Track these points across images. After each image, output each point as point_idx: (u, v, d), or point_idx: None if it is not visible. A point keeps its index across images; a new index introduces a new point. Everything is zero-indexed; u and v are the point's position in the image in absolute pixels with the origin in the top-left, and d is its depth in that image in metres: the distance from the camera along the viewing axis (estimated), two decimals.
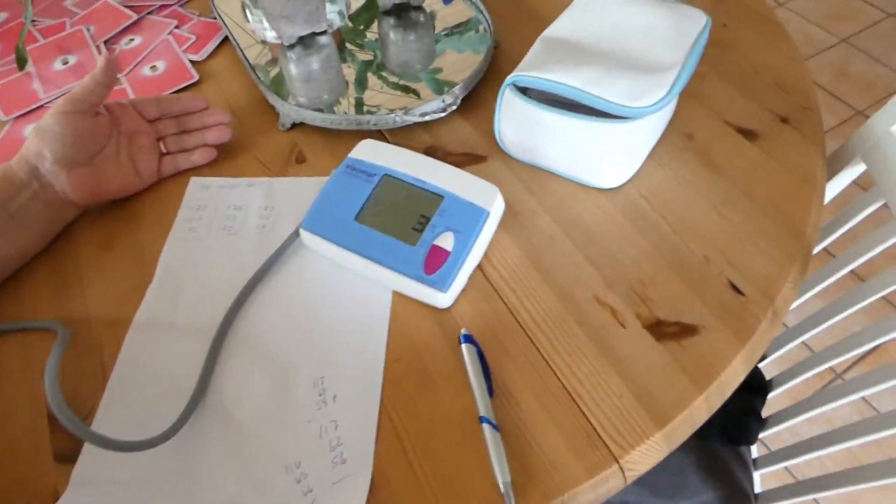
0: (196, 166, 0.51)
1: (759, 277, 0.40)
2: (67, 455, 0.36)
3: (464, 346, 0.38)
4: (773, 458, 0.61)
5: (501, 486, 0.32)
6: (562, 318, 0.40)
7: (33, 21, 0.67)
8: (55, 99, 0.58)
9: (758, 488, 0.63)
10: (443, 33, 0.58)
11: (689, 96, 0.52)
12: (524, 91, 0.44)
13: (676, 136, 0.49)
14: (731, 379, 0.38)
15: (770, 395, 0.63)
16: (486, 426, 0.34)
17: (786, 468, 1.01)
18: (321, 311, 0.41)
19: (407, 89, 0.53)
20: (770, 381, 0.64)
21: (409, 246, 0.40)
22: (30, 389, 0.39)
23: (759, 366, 0.66)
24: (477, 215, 0.40)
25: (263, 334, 0.40)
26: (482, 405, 0.35)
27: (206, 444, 0.36)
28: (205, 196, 0.49)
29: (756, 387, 0.63)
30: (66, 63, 0.61)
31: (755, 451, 0.66)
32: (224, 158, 0.52)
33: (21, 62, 0.61)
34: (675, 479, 0.60)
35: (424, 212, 0.41)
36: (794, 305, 0.62)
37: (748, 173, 0.46)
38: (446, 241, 0.40)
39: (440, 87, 0.52)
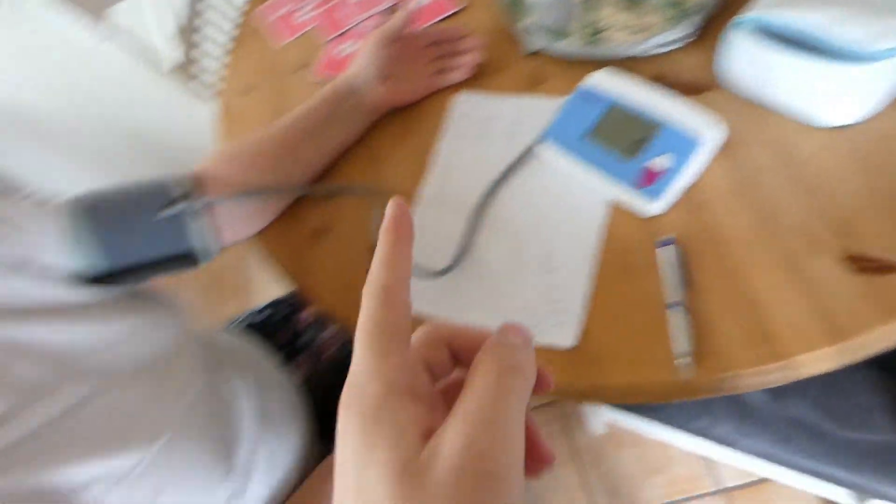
0: (458, 81, 0.65)
1: None
2: None
3: (663, 248, 0.47)
4: None
5: (679, 350, 0.42)
6: (762, 239, 0.46)
7: None
8: (357, 24, 0.76)
9: None
10: None
11: None
12: (758, 27, 0.47)
13: None
14: None
15: None
16: (673, 309, 0.44)
17: None
18: (551, 207, 0.53)
19: (642, 10, 0.57)
20: None
21: (628, 162, 0.49)
22: (356, 227, 0.59)
23: None
24: (693, 142, 0.47)
25: (508, 215, 0.54)
26: (674, 293, 0.45)
27: (466, 281, 0.52)
28: (467, 107, 0.63)
29: None
30: None
31: None
32: (480, 78, 0.64)
33: None
34: (859, 413, 0.63)
35: (646, 135, 0.49)
36: None
37: None
38: (662, 161, 0.47)
39: (677, 11, 0.55)
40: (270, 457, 0.57)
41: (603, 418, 1.07)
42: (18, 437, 0.40)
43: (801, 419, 0.64)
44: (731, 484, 1.05)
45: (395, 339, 0.21)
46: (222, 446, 0.52)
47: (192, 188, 0.56)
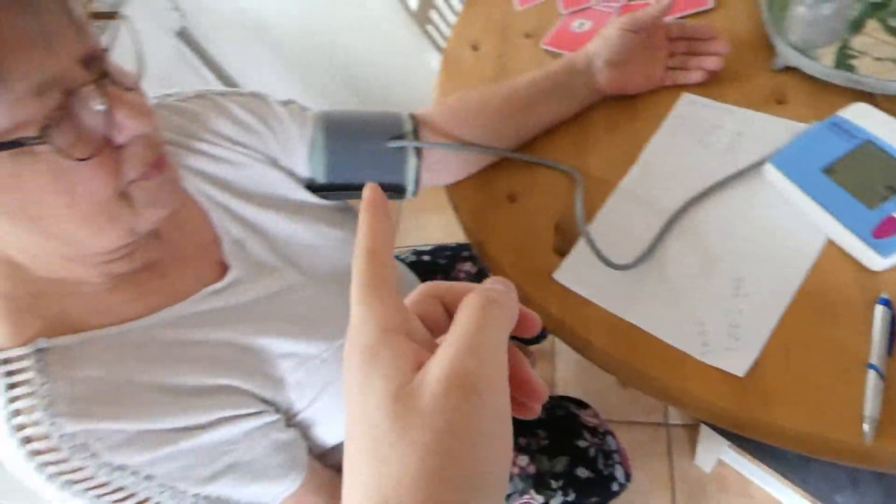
0: (689, 83, 0.64)
1: None
2: (560, 251, 0.58)
3: (879, 308, 0.44)
4: None
5: (866, 419, 0.41)
6: None
7: None
8: (599, 4, 0.77)
9: None
10: None
11: None
12: None
13: None
14: None
15: None
16: (871, 372, 0.42)
17: None
18: (758, 231, 0.52)
19: None
20: None
21: (866, 208, 0.46)
22: (546, 202, 0.62)
23: None
24: None
25: (706, 228, 0.54)
26: (877, 355, 0.43)
27: (645, 282, 0.53)
28: (691, 110, 0.62)
29: None
30: None
31: None
32: (713, 82, 0.63)
33: None
34: None
35: (894, 183, 0.46)
36: None
37: None
38: None
39: None
40: None
41: (715, 455, 1.04)
42: (245, 301, 0.49)
43: None
44: None
45: (384, 289, 0.24)
46: None
47: (416, 127, 0.62)
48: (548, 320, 0.56)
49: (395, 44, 1.31)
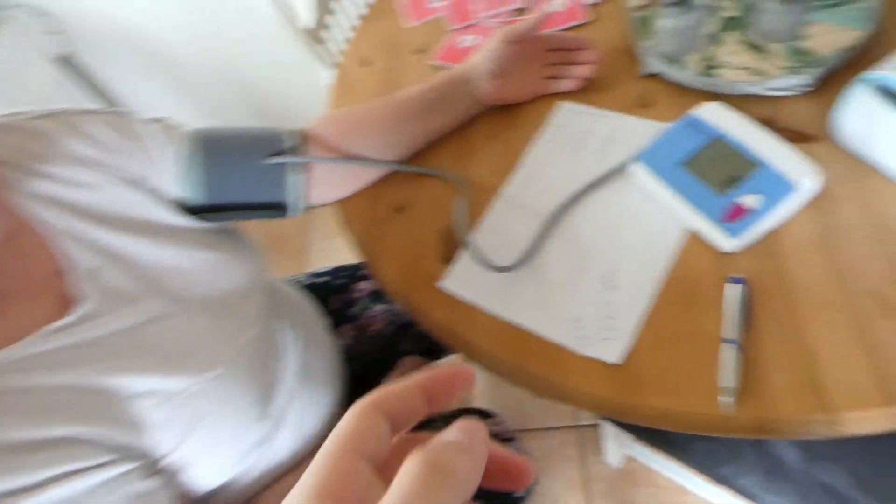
0: (564, 91, 0.67)
1: None
2: (447, 258, 0.59)
3: (731, 286, 0.48)
4: None
5: (722, 391, 0.44)
6: (831, 295, 0.46)
7: None
8: (485, 20, 0.80)
9: None
10: (817, 2, 0.60)
11: None
12: (885, 90, 0.48)
13: None
14: None
15: None
16: (727, 345, 0.45)
17: None
18: (626, 226, 0.55)
19: (762, 50, 0.58)
20: None
21: (716, 196, 0.50)
22: (436, 211, 0.63)
23: None
24: (786, 187, 0.48)
25: (580, 227, 0.56)
26: (732, 329, 0.46)
27: (525, 283, 0.55)
28: (566, 116, 0.65)
29: None
30: None
31: None
32: (587, 90, 0.67)
33: None
34: (894, 490, 0.61)
35: (741, 173, 0.50)
36: None
37: None
38: (751, 201, 0.49)
39: (797, 56, 0.56)
40: (303, 411, 0.60)
41: (623, 451, 1.07)
42: (95, 337, 0.45)
43: (832, 486, 0.63)
44: None
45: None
46: (263, 391, 0.55)
47: (300, 144, 0.61)
48: (435, 328, 0.56)
49: (290, 62, 1.30)
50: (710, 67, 0.60)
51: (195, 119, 0.61)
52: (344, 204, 0.67)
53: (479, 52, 0.64)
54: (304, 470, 0.20)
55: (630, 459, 1.14)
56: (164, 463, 0.47)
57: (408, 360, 0.75)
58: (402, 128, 0.63)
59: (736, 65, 0.58)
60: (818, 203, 0.51)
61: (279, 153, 0.59)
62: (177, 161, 0.55)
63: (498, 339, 0.53)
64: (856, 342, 0.44)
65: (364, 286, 0.83)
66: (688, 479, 0.91)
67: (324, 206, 0.67)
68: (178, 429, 0.47)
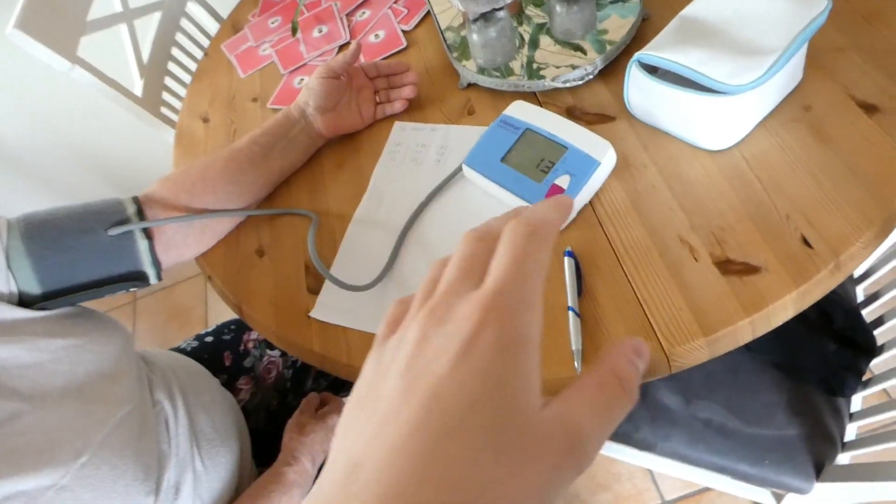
0: (396, 113, 0.71)
1: (832, 236, 0.47)
2: (314, 289, 0.60)
3: (566, 259, 0.52)
4: (869, 412, 0.65)
5: (573, 349, 0.47)
6: (647, 248, 0.52)
7: None
8: (314, 58, 0.82)
9: (850, 438, 0.68)
10: (601, 1, 0.68)
11: (819, 68, 0.56)
12: (650, 66, 0.54)
13: (794, 107, 0.55)
14: (779, 313, 0.47)
15: (878, 360, 0.66)
16: (570, 313, 0.49)
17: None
18: (469, 222, 0.58)
19: (575, 47, 0.65)
20: (882, 345, 0.66)
21: (535, 183, 0.55)
22: (294, 248, 0.64)
23: (876, 332, 0.68)
24: (590, 164, 0.53)
25: (431, 234, 0.59)
26: (571, 299, 0.50)
27: (391, 295, 0.57)
28: (402, 135, 0.69)
29: (863, 347, 0.66)
30: (321, 31, 0.85)
31: (857, 405, 0.70)
32: (418, 108, 0.71)
33: (294, 31, 0.86)
34: (763, 411, 0.68)
35: (551, 158, 0.55)
36: None
37: (856, 146, 0.51)
38: (564, 182, 0.54)
39: (603, 47, 0.63)
40: (201, 478, 0.59)
41: None
42: None
43: (711, 419, 0.69)
44: (672, 497, 1.09)
45: None
46: (148, 466, 0.53)
47: (140, 209, 0.60)
48: (315, 359, 0.57)
49: (131, 129, 1.27)
50: (536, 70, 0.65)
51: (54, 202, 0.58)
52: (203, 260, 0.67)
53: (304, 90, 0.67)
54: None
55: None
56: None
57: (310, 397, 0.74)
58: (242, 176, 0.64)
59: (556, 63, 0.64)
60: (626, 172, 0.57)
61: (122, 222, 0.58)
62: (4, 256, 0.52)
63: None
64: (674, 287, 0.49)
65: (255, 335, 0.82)
66: (611, 448, 0.96)
67: (184, 262, 0.66)
68: None
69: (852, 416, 0.69)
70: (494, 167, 0.57)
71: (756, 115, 0.54)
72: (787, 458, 0.66)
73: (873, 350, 0.66)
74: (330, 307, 0.58)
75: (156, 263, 0.60)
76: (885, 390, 0.65)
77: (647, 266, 0.51)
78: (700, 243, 0.50)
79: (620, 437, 0.73)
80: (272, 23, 0.91)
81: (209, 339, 0.81)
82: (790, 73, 0.53)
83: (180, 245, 0.63)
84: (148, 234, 0.59)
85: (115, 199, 0.60)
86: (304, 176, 0.70)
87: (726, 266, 0.49)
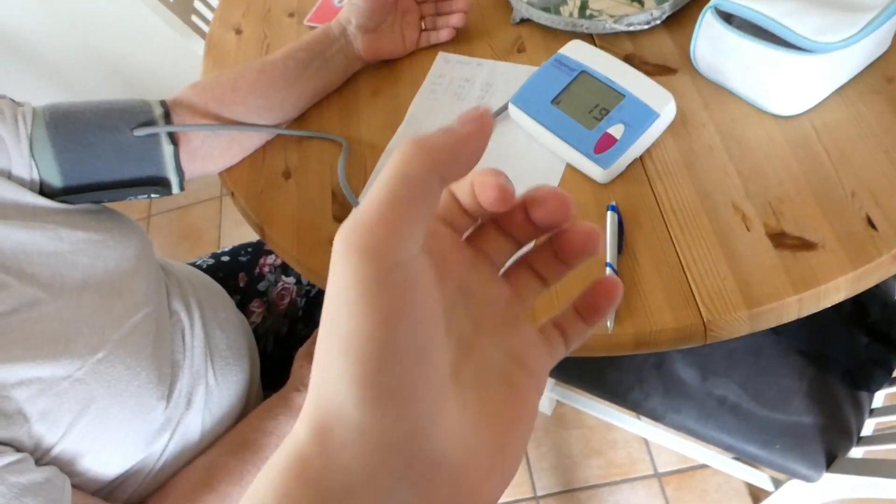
0: (442, 42, 0.67)
1: None
2: (339, 217, 0.57)
3: (609, 213, 0.49)
4: (891, 409, 0.63)
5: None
6: (696, 211, 0.49)
7: None
8: None
9: (867, 433, 0.67)
10: None
11: None
12: (727, 15, 0.50)
13: (876, 77, 0.51)
14: (831, 294, 0.44)
15: None
16: (608, 269, 0.47)
17: None
18: (511, 167, 0.55)
19: None
20: None
21: (587, 129, 0.51)
22: (321, 173, 0.61)
23: None
24: (648, 115, 0.50)
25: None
26: (610, 255, 0.48)
27: None
28: (446, 67, 0.65)
29: (895, 342, 0.64)
30: None
31: (879, 401, 0.68)
32: (465, 40, 0.66)
33: None
34: (780, 396, 0.67)
35: (606, 105, 0.51)
36: None
37: None
38: (617, 131, 0.50)
39: None
40: (212, 391, 0.58)
41: (551, 397, 1.11)
42: None
43: (725, 397, 0.68)
44: (665, 469, 1.09)
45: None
46: (161, 371, 0.52)
47: (168, 112, 0.57)
48: None
49: (159, 36, 1.22)
50: (588, 16, 0.60)
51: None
52: (227, 175, 0.64)
53: (347, 6, 0.62)
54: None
55: (559, 404, 1.18)
56: (53, 454, 0.45)
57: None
58: (274, 92, 0.61)
59: (612, 12, 0.60)
60: (682, 129, 0.53)
61: (148, 123, 0.55)
62: (22, 140, 0.50)
63: None
64: (720, 255, 0.46)
65: (271, 260, 0.81)
66: (611, 415, 0.96)
67: (209, 175, 0.64)
68: (65, 418, 0.45)
69: (873, 412, 0.67)
70: (544, 109, 0.54)
71: (835, 81, 0.50)
72: (799, 445, 0.64)
73: None
74: None
75: (179, 171, 0.58)
76: None
77: (695, 230, 0.48)
78: (754, 212, 0.47)
79: (630, 403, 0.72)
80: None
81: (225, 258, 0.79)
82: (881, 38, 0.48)
83: (205, 156, 0.61)
84: (173, 139, 0.57)
85: (142, 99, 0.57)
86: (337, 100, 0.66)
87: (780, 239, 0.46)
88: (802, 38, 0.44)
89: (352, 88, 0.67)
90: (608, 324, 0.45)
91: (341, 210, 0.58)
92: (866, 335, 0.65)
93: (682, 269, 0.47)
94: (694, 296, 0.45)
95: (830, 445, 0.65)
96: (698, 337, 0.45)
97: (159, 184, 0.57)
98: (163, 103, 0.58)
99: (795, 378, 0.66)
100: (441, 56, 0.66)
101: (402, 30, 0.65)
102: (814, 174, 0.48)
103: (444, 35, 0.66)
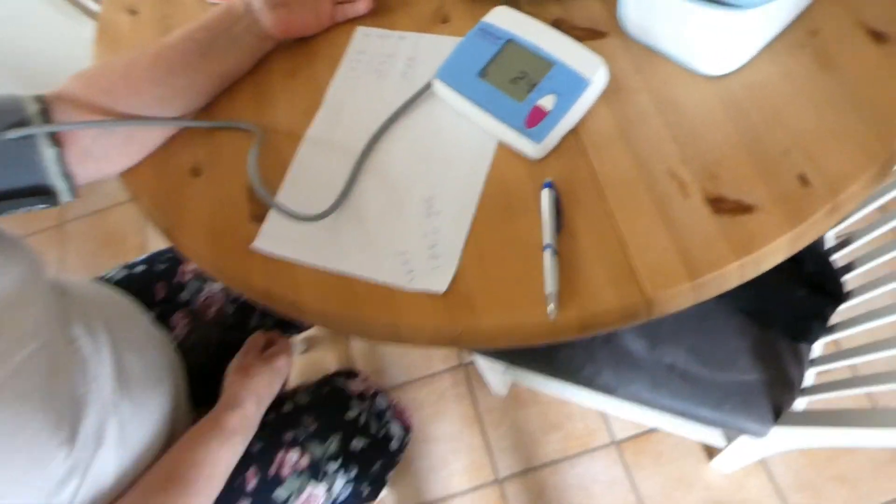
0: (360, 15, 0.61)
1: (831, 173, 0.44)
2: (258, 216, 0.52)
3: (544, 191, 0.47)
4: (827, 359, 0.65)
5: (547, 293, 0.43)
6: (634, 182, 0.47)
7: None
8: None
9: (808, 384, 0.68)
10: None
11: None
12: None
13: (800, 31, 0.50)
14: (770, 257, 0.43)
15: (845, 306, 0.66)
16: (546, 251, 0.44)
17: (849, 367, 1.02)
18: (439, 148, 0.52)
19: None
20: (850, 292, 0.66)
21: (516, 102, 0.48)
22: (235, 168, 0.55)
23: (846, 277, 0.67)
24: (579, 83, 0.47)
25: (393, 159, 0.53)
26: (548, 235, 0.45)
27: (345, 227, 0.50)
28: (366, 42, 0.60)
29: (831, 294, 0.65)
30: None
31: (817, 351, 0.70)
32: (384, 12, 0.62)
33: None
34: (726, 356, 0.67)
35: (535, 75, 0.48)
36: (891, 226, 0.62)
37: (861, 76, 0.47)
38: (548, 102, 0.47)
39: None
40: (127, 424, 0.52)
41: (504, 378, 1.10)
42: None
43: (675, 365, 0.68)
44: (622, 436, 1.11)
45: None
46: (60, 412, 0.46)
47: (47, 109, 0.50)
48: (256, 295, 0.50)
49: (39, 18, 1.10)
50: None
51: None
52: (128, 176, 0.58)
53: None
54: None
55: (514, 385, 1.18)
56: None
57: (256, 336, 0.68)
58: (173, 78, 0.54)
59: None
60: (614, 96, 0.51)
61: (21, 123, 0.48)
62: None
63: (324, 293, 0.48)
64: (660, 226, 0.45)
65: (193, 266, 0.74)
66: (564, 390, 0.95)
67: (107, 179, 0.57)
68: None
69: (812, 362, 0.69)
70: (470, 83, 0.50)
71: (762, 38, 0.48)
72: (746, 403, 0.65)
73: (840, 297, 0.65)
74: (276, 238, 0.51)
75: (67, 176, 0.51)
76: (837, 341, 0.65)
77: (633, 202, 0.46)
78: (691, 178, 0.46)
79: (582, 380, 0.71)
80: None
81: (140, 268, 0.73)
82: None
83: (100, 157, 0.54)
84: (57, 140, 0.50)
85: (11, 95, 0.50)
86: (248, 84, 0.60)
87: (718, 204, 0.45)
88: None
89: (265, 70, 0.61)
90: (550, 309, 0.42)
91: (259, 208, 0.53)
92: (803, 288, 0.66)
93: (622, 243, 0.45)
94: (635, 272, 0.43)
95: (776, 399, 0.66)
96: (643, 314, 0.44)
97: (43, 193, 0.50)
98: (40, 99, 0.50)
99: (740, 338, 0.67)
100: (360, 30, 0.61)
101: (316, 3, 0.60)
102: (747, 134, 0.47)
103: (361, 7, 0.61)
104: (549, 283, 0.43)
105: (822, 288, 0.64)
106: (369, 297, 0.47)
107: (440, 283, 0.46)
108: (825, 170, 0.44)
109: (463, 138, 0.52)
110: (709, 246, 0.43)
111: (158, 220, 0.56)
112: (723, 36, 0.46)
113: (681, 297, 0.43)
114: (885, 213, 0.62)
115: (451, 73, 0.51)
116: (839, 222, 0.77)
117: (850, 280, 0.66)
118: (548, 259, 0.44)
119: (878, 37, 0.48)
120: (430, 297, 0.46)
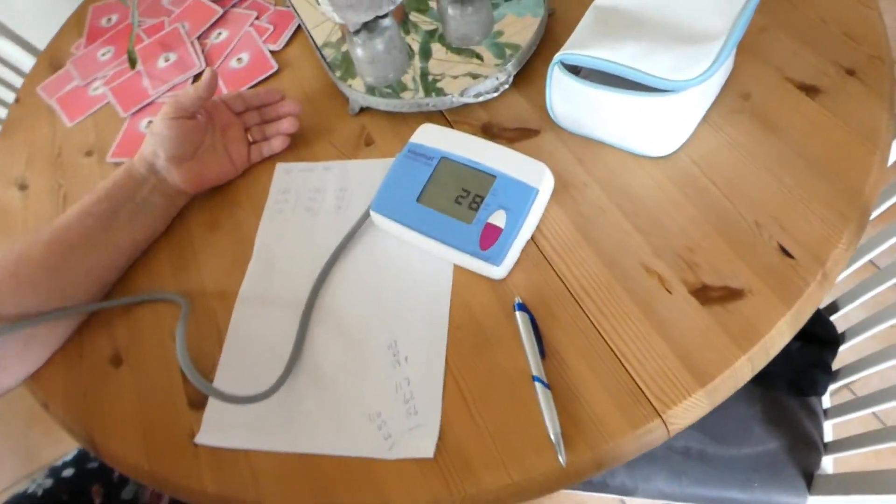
0: (277, 153, 0.57)
1: (811, 240, 0.41)
2: (199, 402, 0.45)
3: (518, 314, 0.42)
4: (843, 408, 0.61)
5: (552, 437, 0.37)
6: (609, 284, 0.43)
7: (138, 22, 0.75)
8: (163, 94, 0.67)
9: (829, 438, 0.64)
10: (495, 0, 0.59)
11: (747, 52, 0.51)
12: (575, 68, 0.46)
13: (732, 97, 0.49)
14: (776, 341, 0.40)
15: (842, 348, 0.63)
16: (538, 385, 0.39)
17: (872, 414, 0.99)
18: (391, 284, 0.47)
19: (470, 53, 0.55)
20: (843, 333, 0.63)
21: (465, 224, 0.44)
22: (163, 348, 0.48)
23: (832, 318, 0.65)
24: (527, 193, 0.44)
25: (343, 305, 0.47)
26: (534, 366, 0.40)
27: (303, 397, 0.43)
28: (289, 180, 0.56)
29: (827, 340, 0.63)
30: (167, 60, 0.69)
31: (828, 401, 0.66)
32: (304, 144, 0.58)
33: (132, 62, 0.70)
34: (739, 428, 0.63)
35: (479, 191, 0.45)
36: (866, 260, 0.60)
37: (806, 132, 0.46)
38: (499, 219, 0.43)
39: (501, 51, 0.54)
40: None
41: None
42: None
43: (689, 448, 0.62)
44: None
45: None
46: None
47: None
48: (206, 500, 0.42)
49: None
50: (432, 83, 0.54)
51: None
52: (33, 382, 0.49)
53: (148, 136, 0.51)
54: None
55: None
56: None
57: None
58: (74, 262, 0.48)
59: (453, 73, 0.54)
60: (562, 194, 0.48)
61: None
62: None
63: (290, 484, 0.40)
64: (650, 329, 0.40)
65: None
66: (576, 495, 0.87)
67: (17, 386, 0.48)
68: None
69: (827, 413, 0.65)
70: (410, 210, 0.46)
71: (699, 112, 0.47)
72: (775, 475, 0.60)
73: (837, 340, 0.63)
74: (222, 426, 0.43)
75: None
76: (849, 387, 0.62)
77: (615, 307, 0.42)
78: (668, 271, 0.42)
79: (595, 486, 0.64)
80: (103, 54, 0.74)
81: (68, 472, 0.62)
82: (729, 62, 0.46)
83: (5, 364, 0.46)
84: None
85: None
86: (165, 246, 0.54)
87: (705, 294, 0.41)
88: (660, 80, 0.41)
89: (182, 229, 0.55)
90: (560, 458, 0.36)
91: (198, 393, 0.45)
92: (796, 339, 0.63)
93: (617, 357, 0.40)
94: (641, 389, 0.39)
95: (802, 463, 0.61)
96: (660, 434, 0.38)
97: None
98: None
99: (747, 405, 0.63)
100: (280, 167, 0.57)
101: (227, 148, 0.55)
102: (710, 212, 0.44)
103: (276, 144, 0.57)
104: (550, 424, 0.37)
105: (815, 335, 0.62)
106: (346, 477, 0.40)
107: (426, 447, 0.39)
108: (802, 238, 0.41)
109: (415, 268, 0.47)
110: (708, 344, 0.39)
111: (74, 429, 0.47)
112: (661, 119, 0.44)
113: (696, 408, 0.38)
114: (858, 250, 0.61)
115: (387, 203, 0.47)
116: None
117: (838, 321, 0.64)
118: (541, 395, 0.38)
119: (809, 90, 0.48)
120: (417, 461, 0.39)
